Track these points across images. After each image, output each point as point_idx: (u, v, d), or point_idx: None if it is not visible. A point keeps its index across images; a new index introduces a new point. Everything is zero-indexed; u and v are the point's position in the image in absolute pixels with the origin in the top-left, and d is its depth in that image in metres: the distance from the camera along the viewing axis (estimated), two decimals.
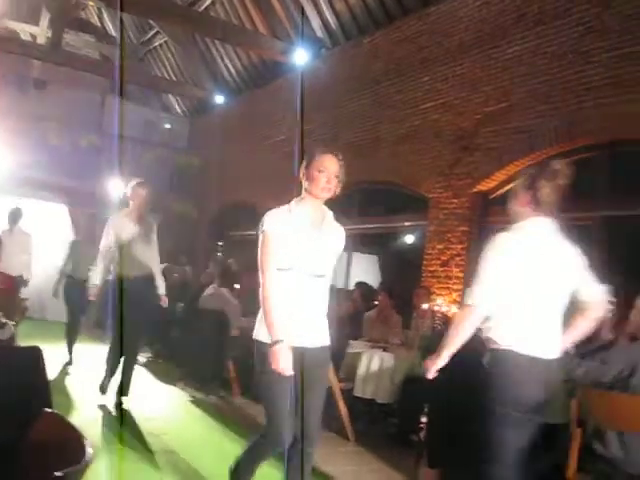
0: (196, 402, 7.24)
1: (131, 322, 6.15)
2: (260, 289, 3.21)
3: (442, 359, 3.26)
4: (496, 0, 7.98)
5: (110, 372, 6.50)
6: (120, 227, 6.38)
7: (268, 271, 3.20)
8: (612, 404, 3.56)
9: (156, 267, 6.61)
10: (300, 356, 3.22)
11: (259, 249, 3.25)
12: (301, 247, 3.25)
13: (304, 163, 3.38)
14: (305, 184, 3.36)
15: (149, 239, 6.52)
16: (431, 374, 3.30)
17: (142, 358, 9.04)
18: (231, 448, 5.75)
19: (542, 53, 7.31)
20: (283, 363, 3.04)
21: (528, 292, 3.11)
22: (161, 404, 6.99)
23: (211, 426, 6.37)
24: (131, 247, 6.35)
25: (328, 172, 3.30)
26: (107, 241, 6.39)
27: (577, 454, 3.59)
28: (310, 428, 3.36)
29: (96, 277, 6.51)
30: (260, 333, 3.27)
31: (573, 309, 3.28)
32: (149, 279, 6.51)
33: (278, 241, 3.20)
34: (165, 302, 6.75)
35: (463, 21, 8.41)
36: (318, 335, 3.45)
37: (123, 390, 6.38)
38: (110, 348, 6.47)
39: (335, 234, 3.57)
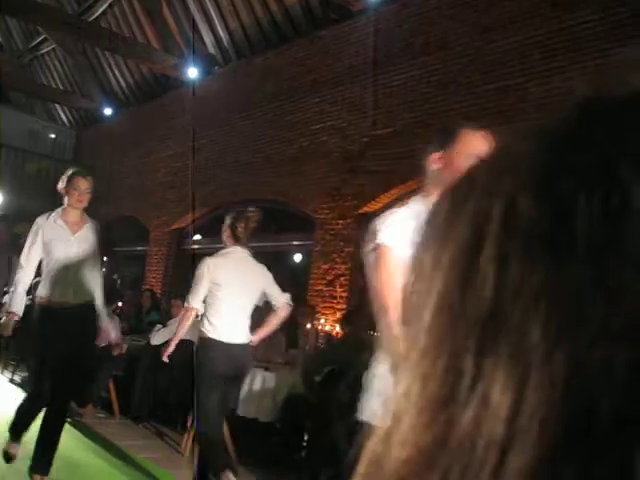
0: (74, 423, 7.00)
1: (67, 364, 4.52)
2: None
3: (171, 347, 4.77)
4: (385, 28, 8.22)
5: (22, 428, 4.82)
6: (52, 234, 4.68)
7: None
8: None
9: (98, 288, 4.80)
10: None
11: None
12: None
13: None
14: None
15: (90, 249, 4.86)
16: (165, 358, 4.86)
17: (18, 377, 8.68)
18: (110, 470, 5.61)
19: (427, 82, 7.58)
20: None
21: (225, 297, 4.41)
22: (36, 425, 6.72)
23: (89, 447, 6.18)
24: (67, 261, 4.64)
25: None
26: (31, 254, 4.60)
27: None
28: None
29: (15, 303, 4.60)
30: None
31: (267, 310, 4.95)
32: (89, 305, 4.70)
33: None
34: (105, 339, 5.07)
35: (353, 46, 8.61)
36: None
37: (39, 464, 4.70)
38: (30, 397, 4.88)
39: None
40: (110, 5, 12.81)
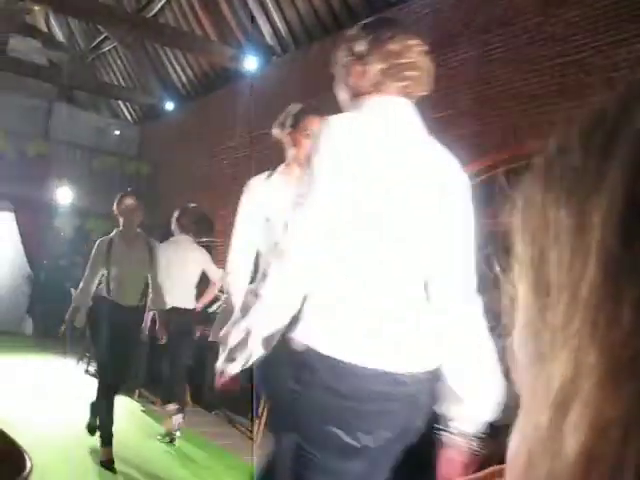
0: (148, 412, 7.18)
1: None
2: None
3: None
4: (444, 8, 8.11)
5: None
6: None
7: None
8: None
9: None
10: None
11: None
12: None
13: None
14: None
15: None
16: None
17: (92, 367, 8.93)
18: (185, 456, 5.73)
19: (488, 61, 7.45)
20: None
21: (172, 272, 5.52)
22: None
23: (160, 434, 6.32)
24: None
25: None
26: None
27: None
28: None
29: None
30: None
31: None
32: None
33: None
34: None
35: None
36: None
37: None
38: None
39: None
40: (168, 1, 12.97)
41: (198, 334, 7.62)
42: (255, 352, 1.78)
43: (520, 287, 0.34)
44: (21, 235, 12.62)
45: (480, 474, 0.49)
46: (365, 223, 1.79)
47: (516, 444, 0.33)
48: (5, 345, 9.47)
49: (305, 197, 1.74)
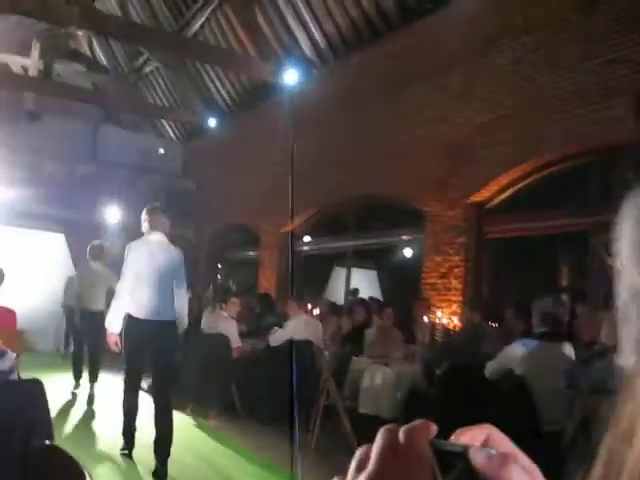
0: (200, 426, 7.22)
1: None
2: None
3: None
4: (481, 12, 8.04)
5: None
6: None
7: None
8: None
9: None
10: None
11: None
12: None
13: None
14: None
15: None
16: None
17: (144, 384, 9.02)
18: (238, 470, 5.75)
19: (528, 62, 7.37)
20: None
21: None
22: None
23: (216, 449, 6.35)
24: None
25: None
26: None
27: None
28: None
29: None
30: None
31: None
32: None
33: None
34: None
35: (448, 34, 8.47)
36: None
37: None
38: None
39: None
40: (207, 19, 13.14)
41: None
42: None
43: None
44: (72, 256, 12.86)
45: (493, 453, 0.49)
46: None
47: None
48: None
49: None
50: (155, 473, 5.25)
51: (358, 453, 0.53)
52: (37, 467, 2.08)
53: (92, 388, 8.18)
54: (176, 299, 5.59)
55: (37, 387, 3.85)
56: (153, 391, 5.64)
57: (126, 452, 5.67)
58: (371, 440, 0.53)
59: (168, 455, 5.31)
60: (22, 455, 2.37)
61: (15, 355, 4.66)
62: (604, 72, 6.50)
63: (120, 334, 5.49)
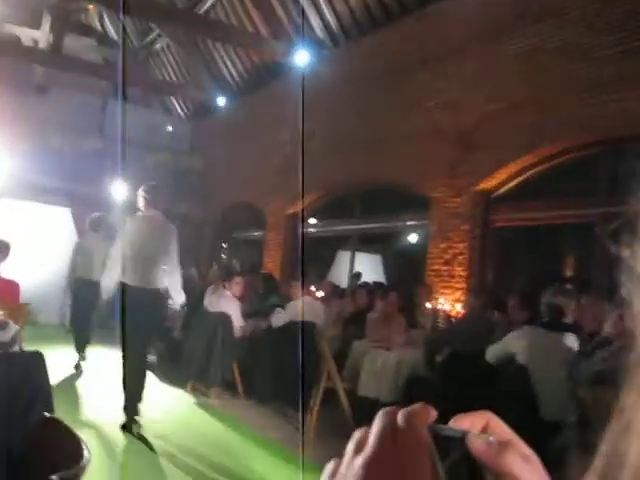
0: (201, 404, 7.25)
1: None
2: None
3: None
4: None
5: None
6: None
7: None
8: None
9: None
10: None
11: None
12: None
13: None
14: None
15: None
16: None
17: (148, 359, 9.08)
18: (238, 449, 5.78)
19: (543, 50, 7.30)
20: None
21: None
22: (167, 406, 7.01)
23: (217, 428, 6.38)
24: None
25: None
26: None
27: None
28: None
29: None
30: None
31: None
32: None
33: None
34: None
35: (463, 19, 8.40)
36: None
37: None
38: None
39: None
40: None
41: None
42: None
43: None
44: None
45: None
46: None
47: None
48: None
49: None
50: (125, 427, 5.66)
51: (356, 435, 0.52)
52: (36, 438, 2.08)
53: (82, 358, 8.51)
54: (168, 272, 6.04)
55: (38, 359, 3.86)
56: (129, 349, 5.86)
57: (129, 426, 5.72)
58: (370, 423, 0.53)
59: (137, 414, 5.72)
60: (22, 426, 2.38)
61: (18, 327, 4.68)
62: (618, 62, 6.45)
63: (113, 301, 5.97)
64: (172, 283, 6.14)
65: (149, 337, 6.34)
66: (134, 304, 5.69)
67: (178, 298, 6.28)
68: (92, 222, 8.99)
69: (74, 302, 8.95)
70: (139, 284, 5.82)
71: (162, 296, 6.28)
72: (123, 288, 5.80)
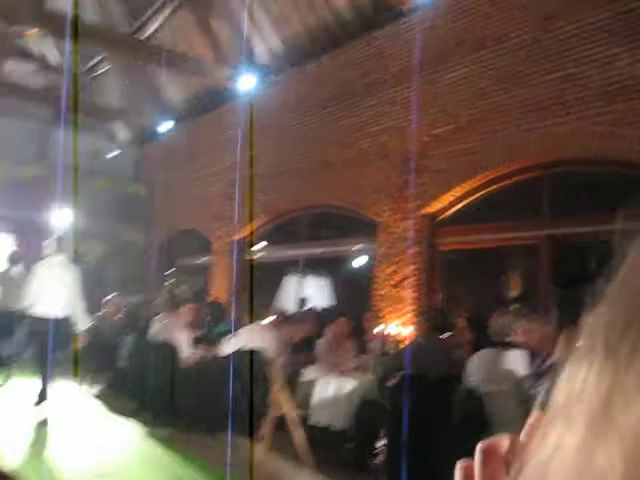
0: (150, 435, 7.09)
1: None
2: None
3: None
4: (439, 24, 8.11)
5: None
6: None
7: None
8: None
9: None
10: None
11: None
12: None
13: None
14: None
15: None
16: None
17: (95, 390, 8.89)
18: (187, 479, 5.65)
19: (483, 77, 7.45)
20: None
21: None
22: (114, 438, 6.82)
23: (165, 459, 6.24)
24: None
25: None
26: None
27: None
28: None
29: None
30: None
31: None
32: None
33: None
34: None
35: (407, 45, 8.51)
36: None
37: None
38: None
39: None
40: (163, 22, 12.98)
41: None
42: None
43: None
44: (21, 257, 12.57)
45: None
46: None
47: None
48: None
49: None
50: None
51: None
52: None
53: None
54: (72, 305, 7.37)
55: None
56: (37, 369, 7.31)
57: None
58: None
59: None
60: None
61: None
62: (558, 88, 6.61)
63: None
64: (75, 312, 7.41)
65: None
66: (40, 331, 7.04)
67: (81, 321, 7.56)
68: (10, 257, 10.04)
69: None
70: (46, 315, 7.07)
71: (68, 322, 7.41)
72: (35, 318, 7.20)
